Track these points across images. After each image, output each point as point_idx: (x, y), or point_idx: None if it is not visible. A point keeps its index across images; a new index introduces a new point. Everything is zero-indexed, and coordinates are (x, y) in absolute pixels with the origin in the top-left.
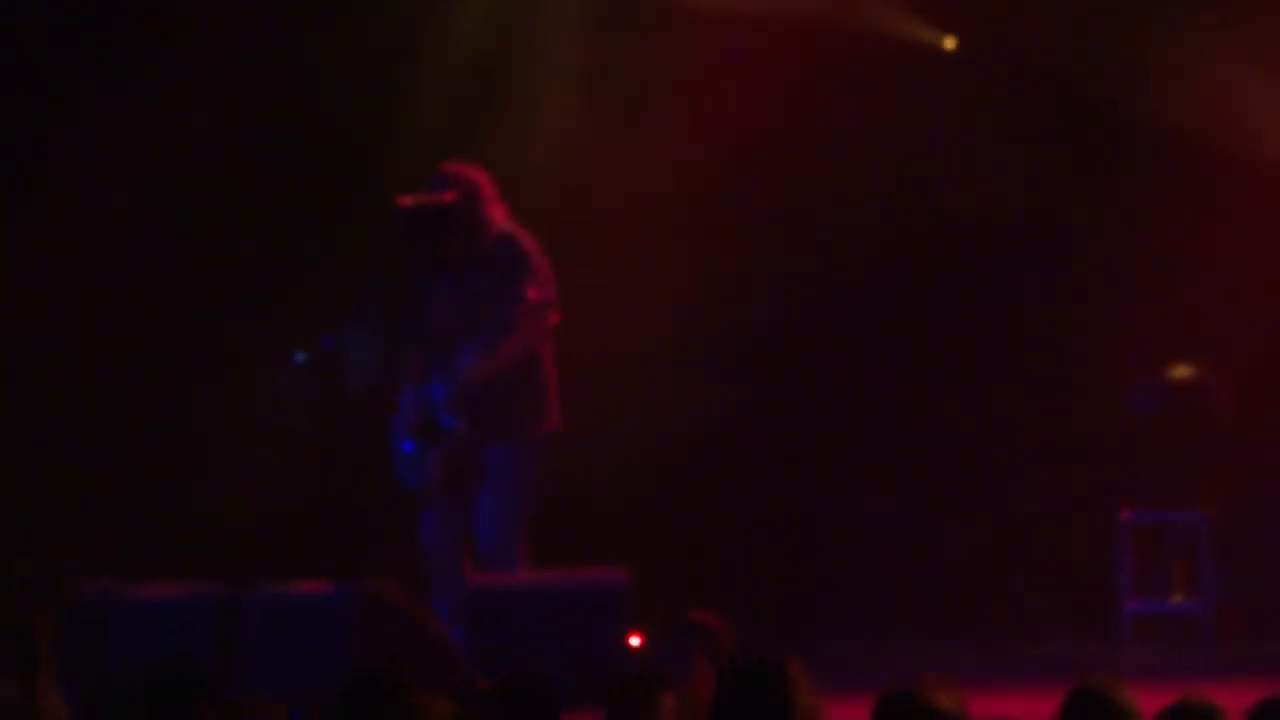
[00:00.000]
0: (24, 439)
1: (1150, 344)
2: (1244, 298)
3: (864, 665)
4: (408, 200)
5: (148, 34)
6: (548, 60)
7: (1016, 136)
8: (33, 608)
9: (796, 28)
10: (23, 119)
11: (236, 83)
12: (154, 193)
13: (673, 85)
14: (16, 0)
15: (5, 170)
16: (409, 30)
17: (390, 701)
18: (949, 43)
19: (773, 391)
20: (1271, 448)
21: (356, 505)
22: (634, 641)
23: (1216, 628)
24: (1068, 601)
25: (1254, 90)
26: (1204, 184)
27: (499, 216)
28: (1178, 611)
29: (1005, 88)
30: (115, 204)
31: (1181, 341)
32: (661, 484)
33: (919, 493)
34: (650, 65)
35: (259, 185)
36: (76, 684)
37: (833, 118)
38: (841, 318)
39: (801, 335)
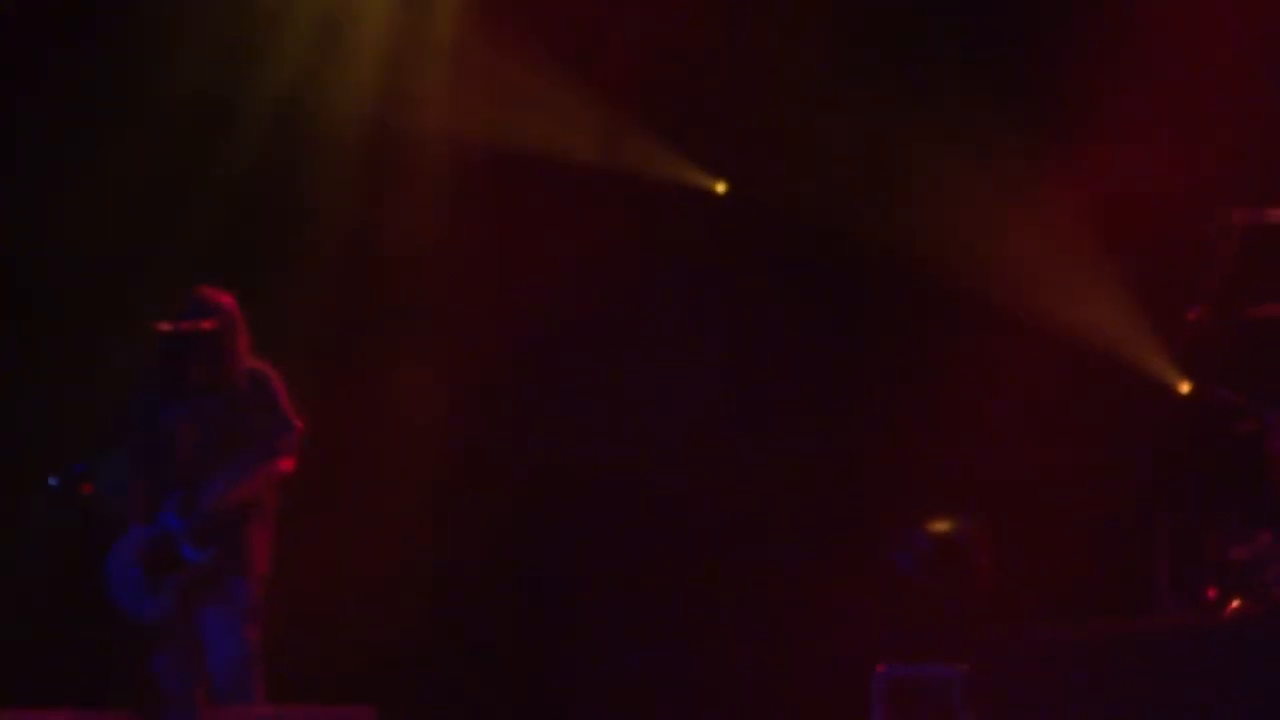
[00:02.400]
0: None
1: (912, 499)
2: (1006, 451)
3: None
4: (165, 326)
5: None
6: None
7: (781, 282)
8: None
9: (575, 167)
10: None
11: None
12: None
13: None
14: None
15: None
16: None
17: None
18: (720, 187)
19: (525, 528)
20: (1028, 605)
21: (95, 633)
22: None
23: None
24: None
25: (1020, 241)
26: (968, 335)
27: (245, 347)
28: None
29: (772, 233)
30: None
31: (944, 496)
32: (406, 620)
33: (680, 639)
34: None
35: (27, 294)
36: None
37: (605, 255)
38: (596, 467)
39: (564, 466)
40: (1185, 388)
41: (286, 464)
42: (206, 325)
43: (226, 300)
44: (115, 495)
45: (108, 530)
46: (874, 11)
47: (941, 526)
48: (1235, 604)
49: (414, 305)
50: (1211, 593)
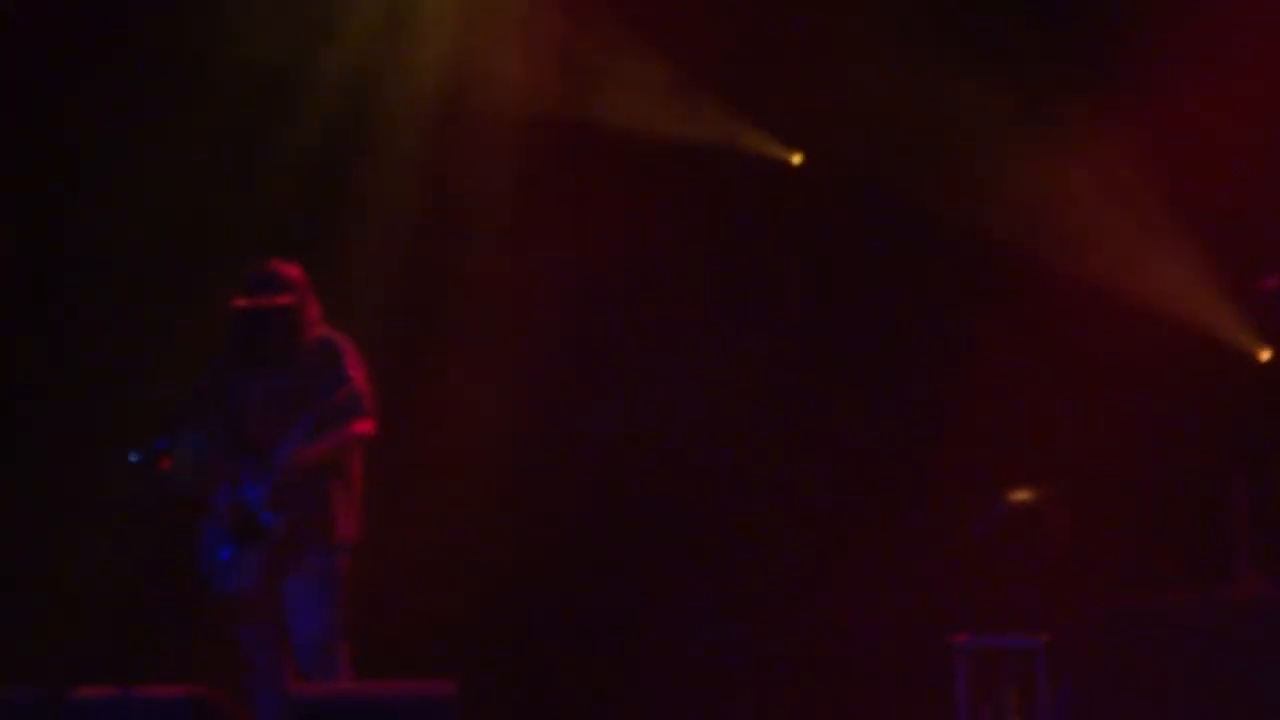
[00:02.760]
0: None
1: (990, 467)
2: (1085, 420)
3: None
4: (243, 302)
5: None
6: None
7: (860, 253)
8: None
9: (649, 142)
10: None
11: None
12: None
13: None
14: None
15: None
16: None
17: None
18: (795, 158)
19: (603, 505)
20: (1108, 575)
21: (180, 608)
22: None
23: None
24: None
25: (1092, 206)
26: (1049, 306)
27: (316, 316)
28: None
29: (849, 204)
30: None
31: (1021, 464)
32: (491, 594)
33: (755, 615)
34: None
35: (105, 272)
36: None
37: (679, 230)
38: (677, 432)
39: (632, 446)
40: (1265, 355)
41: (362, 426)
42: (283, 300)
43: (295, 272)
44: (194, 470)
45: (187, 505)
46: None
47: (1020, 495)
48: None
49: (485, 282)
50: None
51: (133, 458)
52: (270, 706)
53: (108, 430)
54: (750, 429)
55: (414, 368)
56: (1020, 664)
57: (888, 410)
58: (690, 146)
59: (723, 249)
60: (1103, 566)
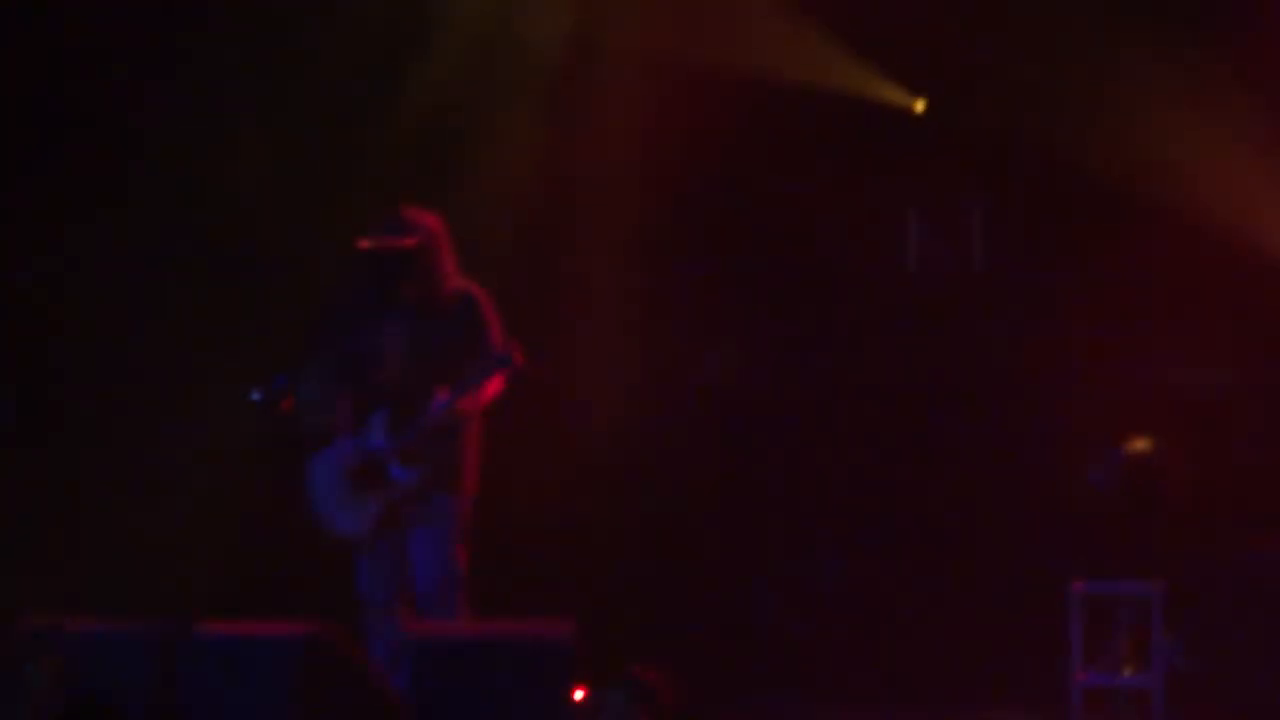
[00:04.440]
0: None
1: (1107, 417)
2: (1200, 369)
3: None
4: (367, 243)
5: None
6: (503, 120)
7: (976, 201)
8: None
9: (771, 87)
10: None
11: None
12: (115, 216)
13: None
14: None
15: None
16: (372, 76)
17: None
18: (919, 105)
19: (722, 451)
20: (1223, 521)
21: (298, 547)
22: (578, 695)
23: (1166, 702)
24: (1018, 672)
25: (1203, 147)
26: (1164, 253)
27: (453, 267)
28: (1128, 684)
29: (965, 150)
30: (76, 227)
31: (1139, 415)
32: (606, 536)
33: (872, 560)
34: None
35: (218, 216)
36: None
37: (799, 179)
38: (792, 381)
39: (750, 397)
40: None
41: (495, 386)
42: (408, 242)
43: (430, 219)
44: (316, 410)
45: (309, 444)
46: None
47: (1138, 444)
48: None
49: (603, 228)
50: None
51: (255, 395)
52: (386, 647)
53: (233, 368)
54: (865, 370)
55: (538, 307)
56: (1137, 610)
57: (1010, 356)
58: (813, 93)
59: (837, 193)
60: (1221, 514)
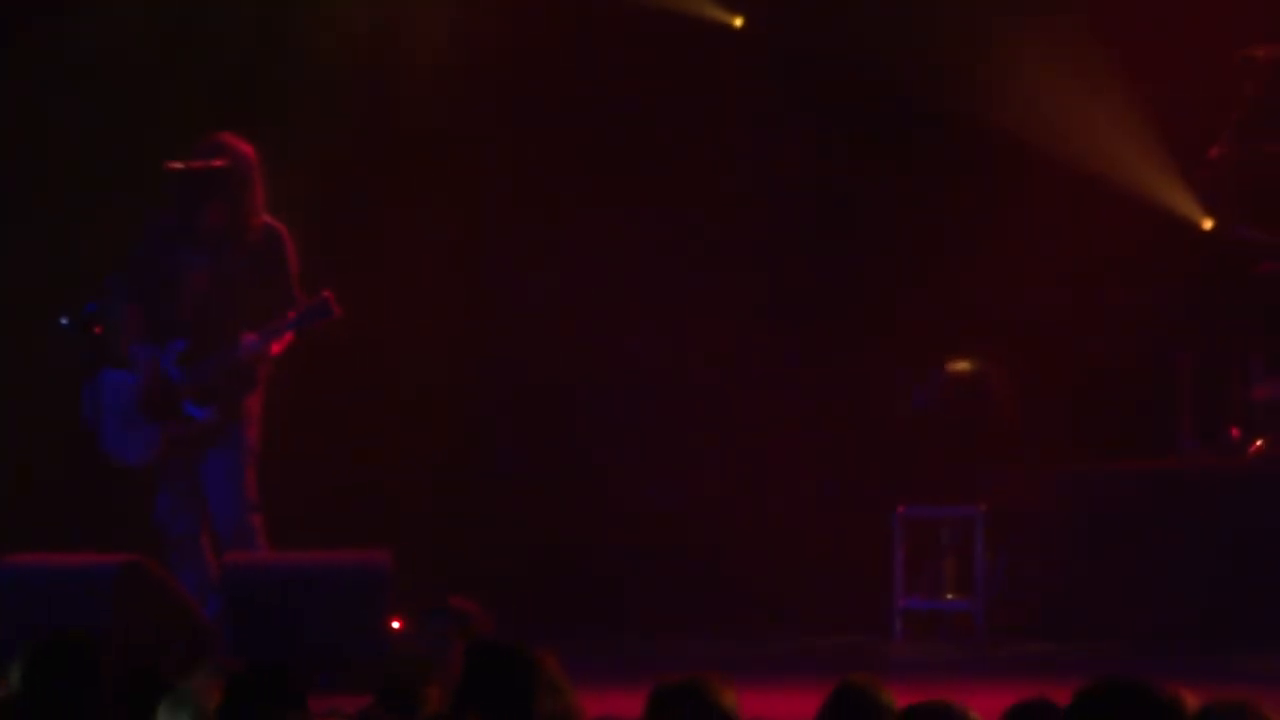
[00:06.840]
0: None
1: (929, 337)
2: (1026, 291)
3: (632, 658)
4: (176, 164)
5: None
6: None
7: (802, 119)
8: None
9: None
10: None
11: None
12: None
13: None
14: None
15: None
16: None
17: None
18: (737, 21)
19: (540, 374)
20: (1048, 443)
21: (98, 478)
22: (394, 625)
23: (988, 625)
24: (841, 597)
25: (1040, 75)
26: (990, 174)
27: (262, 201)
28: (950, 608)
29: (790, 68)
30: None
31: (961, 335)
32: (423, 468)
33: (691, 484)
34: None
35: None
36: None
37: (620, 94)
38: (616, 303)
39: (571, 316)
40: (1208, 225)
41: (289, 335)
42: (217, 163)
43: (244, 146)
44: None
45: (117, 369)
46: None
47: (960, 365)
48: (1258, 444)
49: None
50: (1235, 433)
51: (63, 321)
52: (193, 578)
53: (38, 296)
54: (696, 298)
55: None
56: (959, 533)
57: (833, 279)
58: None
59: (675, 121)
60: (1043, 437)
